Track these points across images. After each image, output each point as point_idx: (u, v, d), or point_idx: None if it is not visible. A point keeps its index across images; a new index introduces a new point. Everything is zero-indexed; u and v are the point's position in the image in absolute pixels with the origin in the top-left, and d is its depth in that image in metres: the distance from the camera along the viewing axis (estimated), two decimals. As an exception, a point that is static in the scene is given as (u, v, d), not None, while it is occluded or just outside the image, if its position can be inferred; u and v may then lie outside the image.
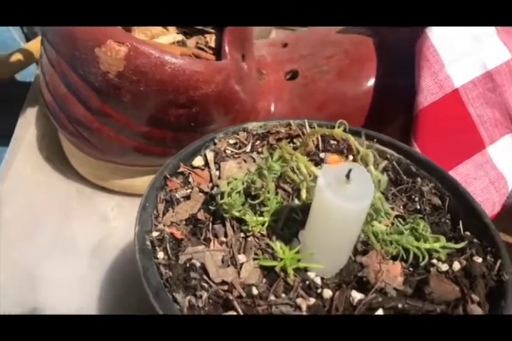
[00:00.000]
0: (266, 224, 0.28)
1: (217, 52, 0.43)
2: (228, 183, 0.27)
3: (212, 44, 0.44)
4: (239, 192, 0.27)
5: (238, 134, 0.34)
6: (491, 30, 0.39)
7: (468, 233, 0.29)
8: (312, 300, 0.25)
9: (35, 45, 0.60)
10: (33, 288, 0.40)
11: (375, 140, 0.33)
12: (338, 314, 0.24)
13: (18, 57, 0.59)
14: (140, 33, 0.43)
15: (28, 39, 0.66)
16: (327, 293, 0.25)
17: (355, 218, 0.23)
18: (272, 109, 0.46)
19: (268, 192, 0.27)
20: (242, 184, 0.27)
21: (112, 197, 0.49)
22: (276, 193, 0.29)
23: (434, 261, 0.27)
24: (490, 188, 0.40)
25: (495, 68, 0.39)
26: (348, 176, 0.23)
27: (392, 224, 0.29)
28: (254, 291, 0.25)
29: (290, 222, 0.28)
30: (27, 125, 0.55)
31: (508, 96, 0.39)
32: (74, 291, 0.40)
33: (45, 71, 0.43)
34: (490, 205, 0.40)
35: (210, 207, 0.28)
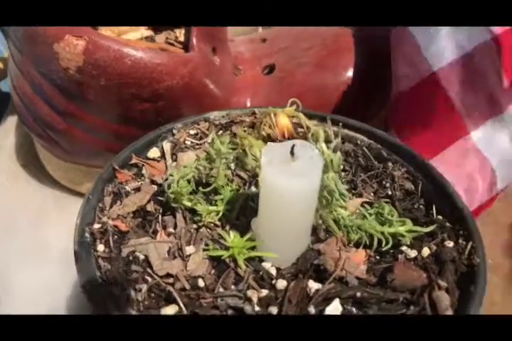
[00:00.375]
0: (220, 214, 0.26)
1: (187, 46, 0.42)
2: (178, 171, 0.26)
3: (182, 39, 0.43)
4: (188, 179, 0.25)
5: (199, 124, 0.32)
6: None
7: (440, 217, 0.26)
8: (264, 292, 0.22)
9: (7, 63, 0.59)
10: (3, 291, 0.39)
11: (340, 124, 0.31)
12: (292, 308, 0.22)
13: (-1, 66, 0.58)
14: (107, 29, 0.41)
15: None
16: (281, 284, 0.23)
17: (303, 196, 0.21)
18: (248, 104, 0.45)
19: (219, 178, 0.25)
20: (192, 171, 0.25)
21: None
22: (232, 181, 0.27)
23: (404, 248, 0.25)
24: (475, 175, 0.37)
25: (474, 48, 0.36)
26: (292, 153, 0.21)
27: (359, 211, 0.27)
28: (201, 283, 0.23)
29: (246, 211, 0.26)
30: (6, 134, 0.54)
31: (489, 78, 0.37)
32: (43, 296, 0.38)
33: (12, 75, 0.42)
34: (476, 193, 0.37)
35: (161, 198, 0.26)
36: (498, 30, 0.36)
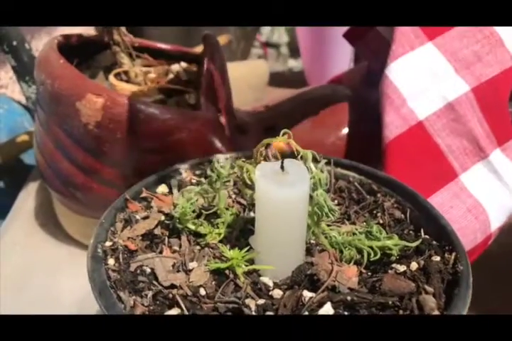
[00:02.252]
0: (221, 235, 0.28)
1: (195, 108, 0.46)
2: (183, 196, 0.28)
3: (192, 101, 0.47)
4: (192, 203, 0.28)
5: (204, 165, 0.35)
6: (448, 67, 0.41)
7: (427, 236, 0.28)
8: (261, 301, 0.24)
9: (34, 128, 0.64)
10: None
11: (331, 161, 0.33)
12: (287, 313, 0.23)
13: (23, 138, 0.63)
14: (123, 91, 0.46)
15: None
16: (277, 293, 0.25)
17: (294, 206, 0.24)
18: (252, 160, 0.48)
19: (220, 201, 0.28)
20: (196, 194, 0.28)
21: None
22: (232, 206, 0.29)
23: (394, 264, 0.27)
24: (468, 216, 0.39)
25: (455, 99, 0.40)
26: (282, 167, 0.24)
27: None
28: (202, 292, 0.24)
29: (245, 233, 0.28)
30: (27, 197, 0.58)
31: (472, 125, 0.40)
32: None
33: (37, 134, 0.46)
34: (471, 233, 0.39)
35: (168, 222, 0.29)
36: (475, 82, 0.40)
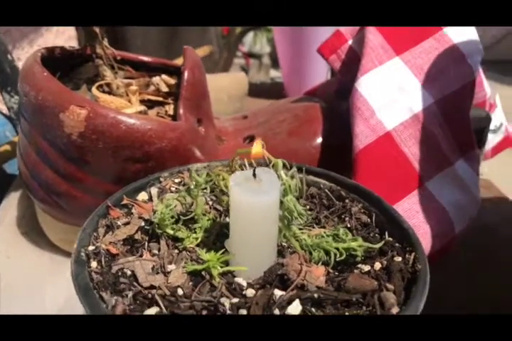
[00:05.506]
0: (198, 240, 0.30)
1: (175, 118, 0.48)
2: (162, 203, 0.30)
3: (171, 112, 0.49)
4: (171, 209, 0.30)
5: (183, 173, 0.37)
6: (414, 80, 0.44)
7: (391, 239, 0.30)
8: (235, 299, 0.26)
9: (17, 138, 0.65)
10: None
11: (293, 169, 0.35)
12: (259, 310, 0.25)
13: (5, 148, 0.65)
14: (106, 104, 0.48)
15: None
16: (250, 292, 0.26)
17: (266, 210, 0.26)
18: (230, 168, 0.50)
19: (197, 207, 0.30)
20: (174, 201, 0.30)
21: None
22: (209, 212, 0.31)
23: (359, 265, 0.29)
24: (433, 220, 0.41)
25: (421, 111, 0.43)
26: (254, 175, 0.26)
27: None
28: (180, 291, 0.26)
29: (221, 237, 0.30)
30: (9, 206, 0.59)
31: (437, 135, 0.43)
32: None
33: (20, 144, 0.48)
34: (435, 236, 0.41)
35: (147, 227, 0.30)
36: (438, 95, 0.43)
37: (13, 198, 0.60)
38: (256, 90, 0.89)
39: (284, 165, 0.29)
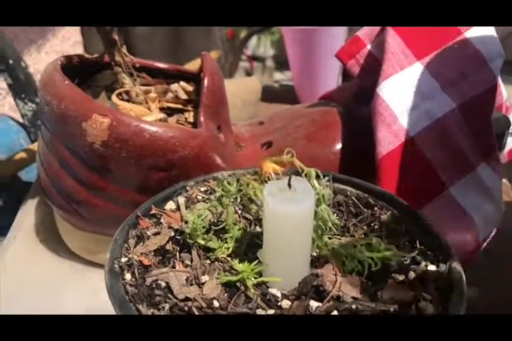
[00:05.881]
0: (230, 250, 0.30)
1: (195, 125, 0.48)
2: (193, 213, 0.30)
3: (191, 119, 0.49)
4: (202, 219, 0.30)
5: (209, 182, 0.37)
6: (435, 85, 0.44)
7: (423, 247, 0.30)
8: (271, 311, 0.26)
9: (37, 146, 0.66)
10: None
11: (330, 177, 0.35)
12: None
13: (21, 155, 0.65)
14: (127, 111, 0.48)
15: (32, 142, 0.73)
16: (286, 303, 0.26)
17: (301, 220, 0.26)
18: (250, 175, 0.50)
19: (228, 217, 0.29)
20: (205, 211, 0.30)
21: (103, 271, 0.50)
22: (239, 221, 0.31)
23: (393, 274, 0.29)
24: (458, 226, 0.41)
25: (443, 116, 0.42)
26: (289, 185, 0.26)
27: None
28: (215, 303, 0.26)
29: (253, 247, 0.30)
30: (27, 214, 0.59)
31: (459, 140, 0.42)
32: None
33: (41, 153, 0.48)
34: (461, 243, 0.41)
35: (178, 238, 0.30)
36: (460, 100, 0.43)
37: (31, 205, 0.60)
38: (266, 94, 0.88)
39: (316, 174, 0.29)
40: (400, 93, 0.43)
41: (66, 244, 0.52)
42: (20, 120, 0.76)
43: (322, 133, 0.50)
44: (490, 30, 0.46)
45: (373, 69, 0.47)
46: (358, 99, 0.52)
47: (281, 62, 2.14)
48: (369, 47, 0.49)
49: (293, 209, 0.25)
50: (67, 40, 1.43)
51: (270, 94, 0.91)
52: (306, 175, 0.28)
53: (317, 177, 0.29)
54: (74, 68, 0.49)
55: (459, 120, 0.43)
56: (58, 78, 0.43)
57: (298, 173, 0.29)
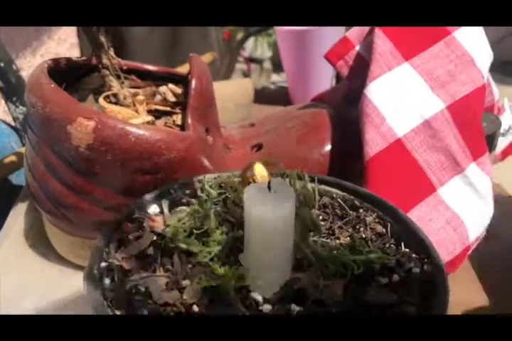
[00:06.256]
0: (212, 254, 0.29)
1: (183, 128, 0.47)
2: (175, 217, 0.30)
3: (179, 122, 0.49)
4: (184, 223, 0.29)
5: (193, 185, 0.36)
6: (424, 86, 0.43)
7: (407, 250, 0.30)
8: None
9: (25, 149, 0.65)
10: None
11: (307, 180, 0.35)
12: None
13: (11, 159, 0.64)
14: (113, 114, 0.47)
15: (24, 145, 0.72)
16: (267, 308, 0.26)
17: (281, 224, 0.25)
18: (239, 177, 0.49)
19: (210, 221, 0.29)
20: (187, 215, 0.29)
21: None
22: (222, 225, 0.31)
23: (377, 278, 0.28)
24: (447, 228, 0.41)
25: (432, 117, 0.42)
26: (269, 188, 0.25)
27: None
28: (195, 308, 0.25)
29: (235, 251, 0.29)
30: (16, 218, 0.58)
31: (448, 141, 0.42)
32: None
33: (27, 156, 0.47)
34: (450, 244, 0.40)
35: (160, 242, 0.30)
36: (449, 100, 0.42)
37: (21, 209, 0.60)
38: (260, 96, 0.88)
39: (298, 176, 0.29)
40: (387, 94, 0.43)
41: (55, 248, 0.52)
42: (12, 123, 0.76)
43: (312, 135, 0.50)
44: (478, 31, 0.45)
45: (362, 70, 0.47)
46: (347, 100, 0.51)
47: (279, 64, 2.14)
48: (358, 48, 0.49)
49: (272, 212, 0.25)
50: (63, 43, 1.42)
51: (264, 96, 0.91)
52: (287, 176, 0.28)
53: (300, 179, 0.29)
54: (61, 71, 0.48)
55: (448, 121, 0.42)
56: (44, 81, 0.43)
57: (283, 176, 0.28)
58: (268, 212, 0.25)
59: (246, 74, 2.18)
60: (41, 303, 0.47)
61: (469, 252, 0.42)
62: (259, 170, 0.28)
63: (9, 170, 0.65)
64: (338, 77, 0.85)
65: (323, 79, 0.84)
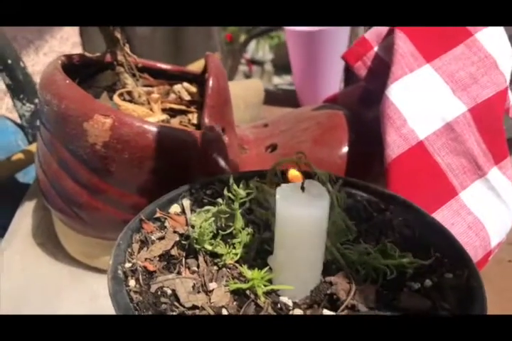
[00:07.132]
0: (238, 256, 0.28)
1: (199, 127, 0.47)
2: (200, 217, 0.29)
3: (195, 121, 0.48)
4: (210, 223, 0.28)
5: (215, 184, 0.35)
6: (445, 88, 0.43)
7: (438, 254, 0.29)
8: (283, 320, 0.24)
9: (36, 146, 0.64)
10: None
11: (340, 182, 0.34)
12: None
13: (18, 157, 0.63)
14: (129, 112, 0.47)
15: (30, 143, 0.71)
16: (297, 312, 0.25)
17: (314, 226, 0.24)
18: (254, 178, 0.49)
19: (237, 222, 0.28)
20: (213, 215, 0.29)
21: (103, 276, 0.49)
22: (248, 226, 0.30)
23: (408, 282, 0.27)
24: (469, 232, 0.40)
25: (453, 120, 0.41)
26: (302, 188, 0.24)
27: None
28: (224, 312, 0.25)
29: (262, 253, 0.29)
30: (24, 216, 0.57)
31: (470, 145, 0.41)
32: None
33: (40, 154, 0.46)
34: (471, 249, 0.40)
35: (184, 242, 0.29)
36: (471, 103, 0.41)
37: (28, 207, 0.59)
38: (268, 98, 0.87)
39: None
40: (409, 96, 0.42)
41: (64, 247, 0.51)
42: (18, 121, 0.75)
43: (328, 136, 0.49)
44: (500, 32, 0.45)
45: (380, 71, 0.46)
46: (363, 101, 0.51)
47: (280, 67, 2.14)
48: (376, 49, 0.48)
49: (306, 213, 0.24)
50: (65, 41, 1.42)
51: (271, 97, 0.90)
52: (318, 178, 0.27)
53: (330, 180, 0.28)
54: (75, 68, 0.47)
55: (469, 124, 0.42)
56: (59, 77, 0.42)
57: (309, 177, 0.27)
58: (302, 213, 0.24)
59: (248, 76, 2.18)
60: (49, 304, 0.46)
61: (490, 257, 0.42)
62: (292, 171, 0.27)
63: (16, 168, 0.64)
64: (346, 80, 0.85)
65: (332, 80, 0.84)
